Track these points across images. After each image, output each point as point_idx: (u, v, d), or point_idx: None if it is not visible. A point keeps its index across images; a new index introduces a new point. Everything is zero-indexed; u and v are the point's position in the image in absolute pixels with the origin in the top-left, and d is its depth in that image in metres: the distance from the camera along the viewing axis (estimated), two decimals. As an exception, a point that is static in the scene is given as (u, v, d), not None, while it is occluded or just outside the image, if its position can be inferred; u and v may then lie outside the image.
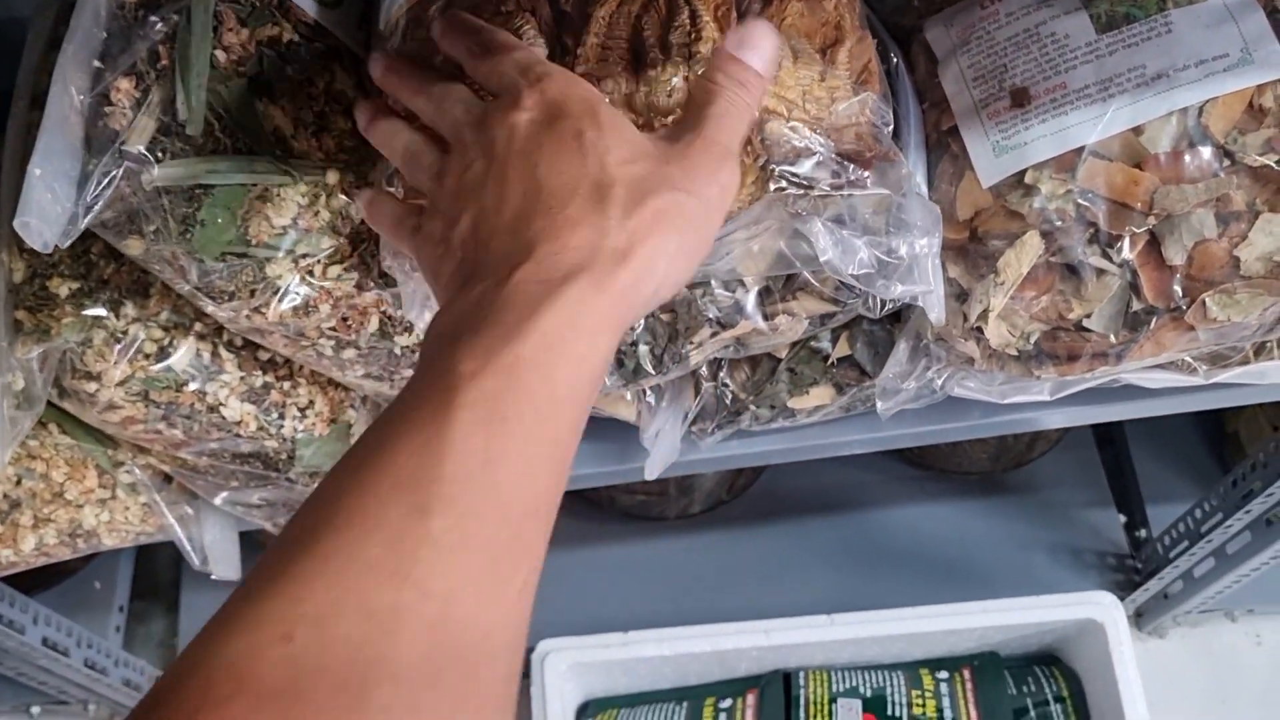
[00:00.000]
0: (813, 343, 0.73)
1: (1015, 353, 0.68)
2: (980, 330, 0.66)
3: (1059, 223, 0.64)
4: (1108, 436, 1.39)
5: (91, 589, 1.25)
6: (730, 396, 0.74)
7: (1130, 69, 0.64)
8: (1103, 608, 1.13)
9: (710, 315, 0.65)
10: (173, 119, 0.55)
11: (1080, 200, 0.64)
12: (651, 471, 0.73)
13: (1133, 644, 1.34)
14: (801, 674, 1.18)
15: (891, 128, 0.59)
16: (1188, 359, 0.73)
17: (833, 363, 0.73)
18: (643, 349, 0.66)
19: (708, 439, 0.75)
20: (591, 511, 1.32)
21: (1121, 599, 1.30)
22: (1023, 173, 0.65)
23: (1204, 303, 0.64)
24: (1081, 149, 0.64)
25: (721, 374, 0.74)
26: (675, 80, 0.52)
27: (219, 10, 0.56)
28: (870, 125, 0.56)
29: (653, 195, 0.42)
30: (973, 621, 1.14)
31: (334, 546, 0.34)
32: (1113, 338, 0.66)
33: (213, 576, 0.74)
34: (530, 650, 1.12)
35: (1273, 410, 1.21)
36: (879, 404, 0.70)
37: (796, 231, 0.57)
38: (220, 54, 0.56)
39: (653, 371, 0.66)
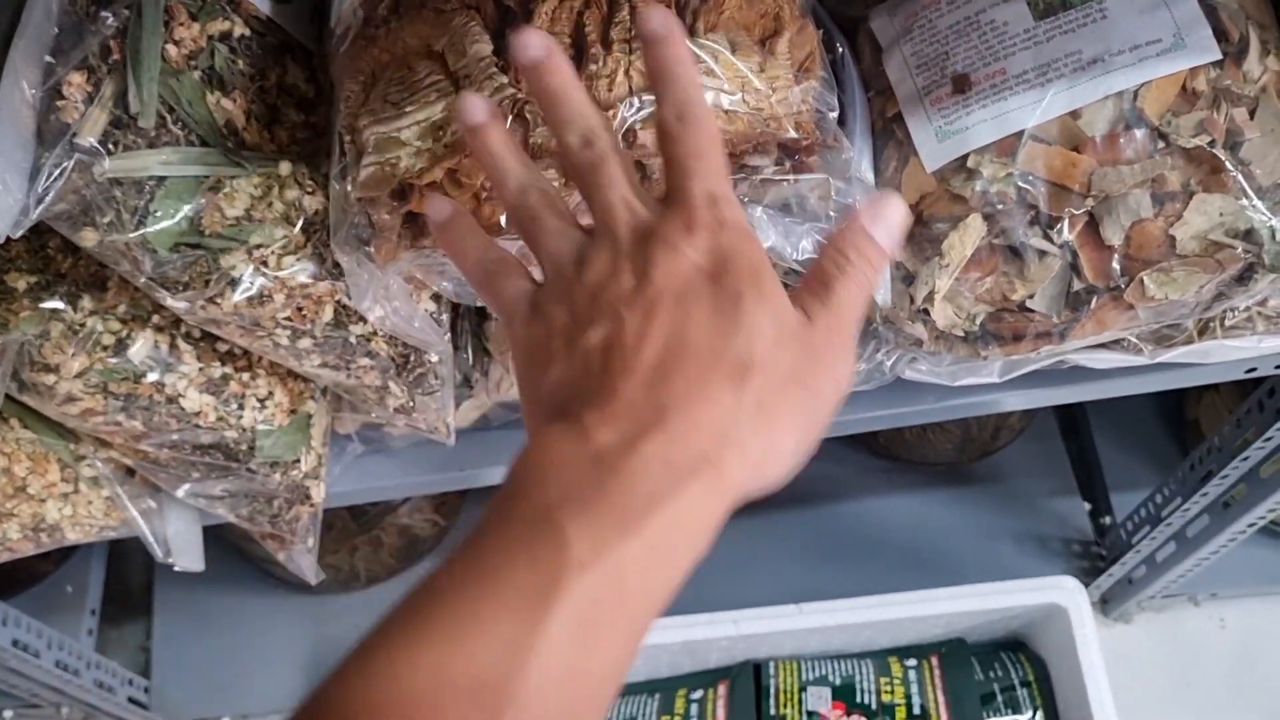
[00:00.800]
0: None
1: (962, 334, 0.69)
2: (927, 312, 0.68)
3: (1000, 205, 0.66)
4: (1072, 426, 1.40)
5: (62, 593, 1.25)
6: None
7: (1067, 54, 0.65)
8: (1066, 592, 1.14)
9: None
10: (124, 112, 0.56)
11: (1021, 183, 0.65)
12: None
13: (1099, 630, 1.37)
14: (771, 664, 1.19)
15: (836, 115, 0.60)
16: (1133, 339, 0.74)
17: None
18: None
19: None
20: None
21: (1087, 585, 1.32)
22: (965, 157, 0.66)
23: (1142, 281, 0.65)
24: (1021, 133, 0.65)
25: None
26: (618, 75, 0.53)
27: (170, 5, 0.57)
28: (813, 113, 0.58)
29: (785, 392, 0.40)
30: (938, 608, 1.15)
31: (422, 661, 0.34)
32: (1055, 317, 0.67)
33: (175, 568, 0.74)
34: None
35: (1230, 397, 1.23)
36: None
37: (743, 217, 0.58)
38: (171, 48, 0.57)
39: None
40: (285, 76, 0.62)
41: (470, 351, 0.72)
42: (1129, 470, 1.36)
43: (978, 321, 0.69)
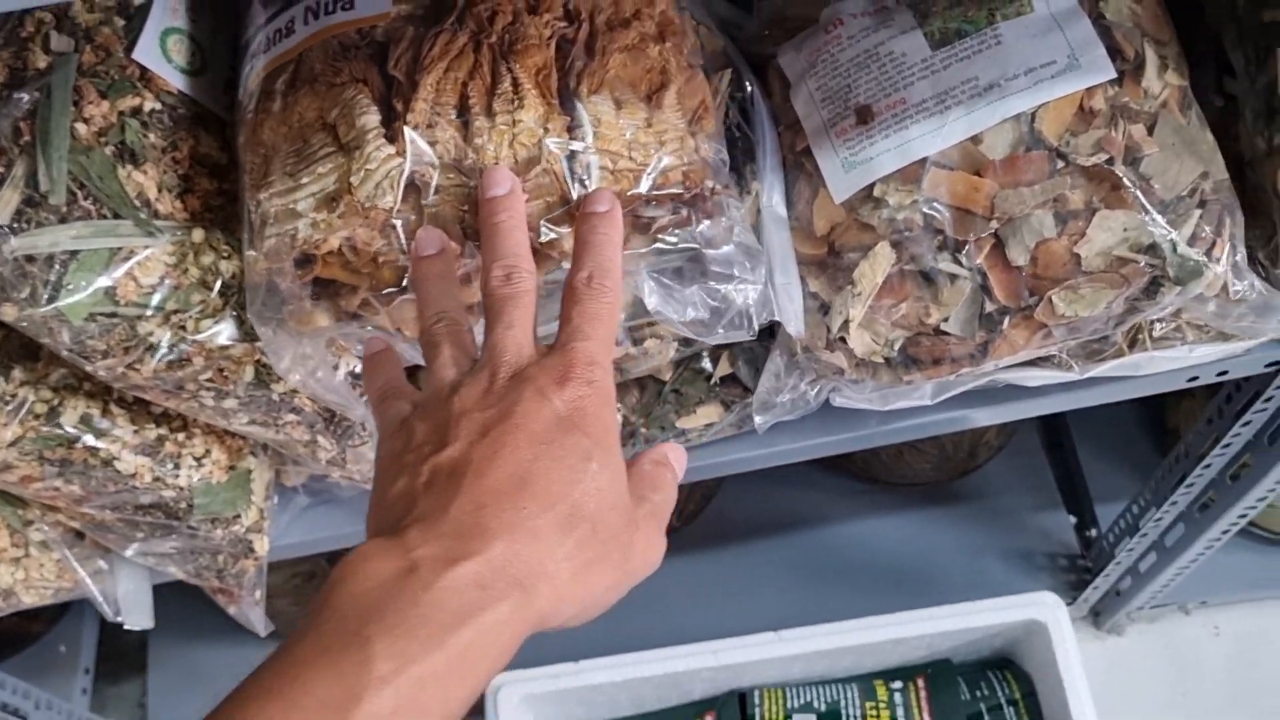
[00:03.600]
0: (695, 363, 0.76)
1: (883, 360, 0.70)
2: (844, 340, 0.69)
3: (908, 232, 0.67)
4: (1054, 439, 1.40)
5: (56, 653, 1.27)
6: (621, 420, 0.76)
7: (964, 81, 0.66)
8: (1045, 607, 1.14)
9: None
10: (35, 190, 0.58)
11: (926, 209, 0.66)
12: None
13: (1092, 643, 1.37)
14: (756, 693, 1.19)
15: (728, 162, 0.61)
16: (1063, 355, 0.75)
17: (716, 382, 0.75)
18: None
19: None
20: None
21: (1074, 599, 1.32)
22: (871, 186, 0.67)
23: (1051, 300, 0.66)
24: (924, 160, 0.66)
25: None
26: (502, 149, 0.55)
27: (79, 85, 0.60)
28: (705, 162, 0.59)
29: (606, 548, 0.44)
30: (917, 629, 1.15)
31: None
32: (971, 339, 0.68)
33: (125, 626, 0.76)
34: (484, 685, 1.13)
35: (1206, 403, 1.23)
36: (756, 418, 0.73)
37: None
38: (81, 126, 0.59)
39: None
40: (198, 146, 0.64)
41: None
42: (1112, 481, 1.35)
43: (896, 347, 0.69)
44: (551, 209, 0.55)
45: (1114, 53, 0.66)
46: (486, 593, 0.40)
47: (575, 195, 0.55)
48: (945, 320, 0.68)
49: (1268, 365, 0.85)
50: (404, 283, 0.57)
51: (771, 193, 0.69)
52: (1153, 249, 0.65)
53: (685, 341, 0.69)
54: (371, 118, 0.56)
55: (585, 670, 1.15)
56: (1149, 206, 0.65)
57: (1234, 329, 0.70)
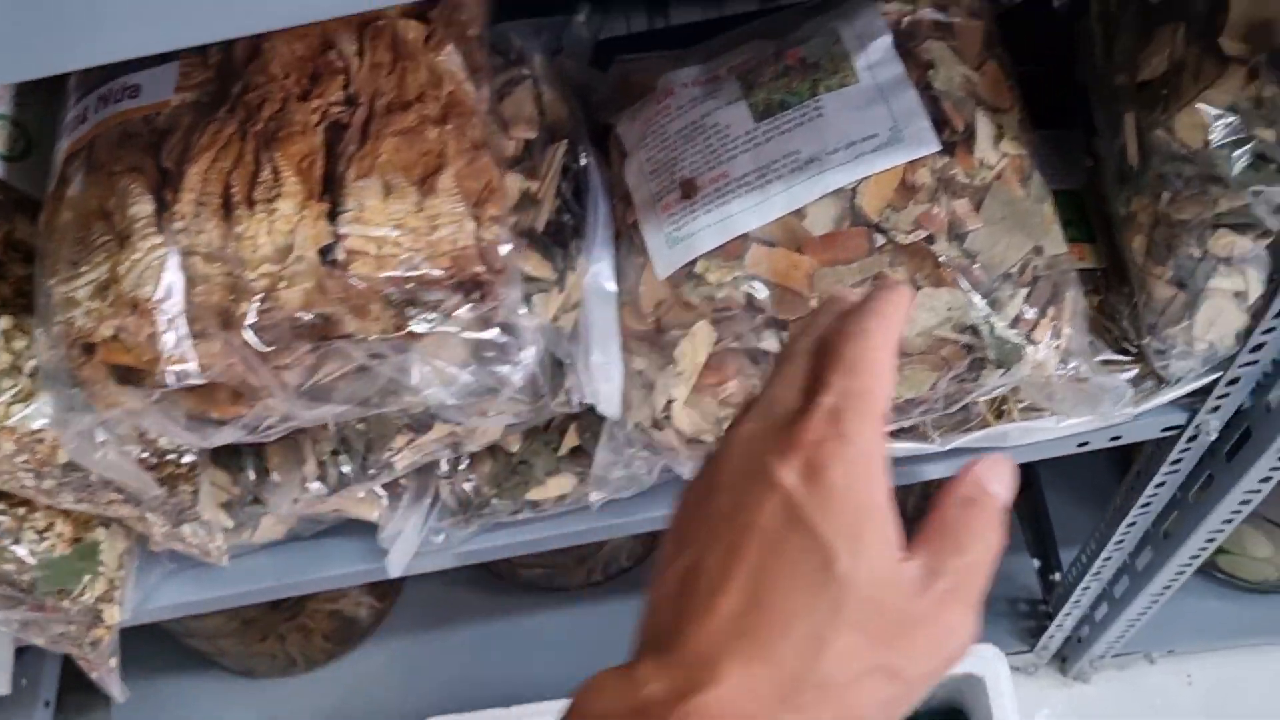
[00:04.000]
0: (545, 435, 0.75)
1: (713, 439, 0.68)
2: (669, 420, 0.67)
3: (728, 311, 0.65)
4: (1022, 480, 1.36)
5: (17, 686, 1.30)
6: (473, 491, 0.76)
7: (785, 155, 0.65)
8: (984, 660, 1.11)
9: (403, 422, 0.67)
10: None
11: (748, 287, 0.65)
12: (393, 570, 0.75)
13: (1060, 690, 1.33)
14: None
15: (509, 246, 0.60)
16: (924, 425, 0.73)
17: (563, 454, 0.74)
18: (343, 458, 0.69)
19: (458, 533, 0.77)
20: (495, 584, 1.34)
21: (1033, 645, 1.28)
22: (694, 262, 0.66)
23: (874, 380, 0.64)
24: (746, 236, 0.65)
25: (462, 469, 0.75)
26: (260, 236, 0.54)
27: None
28: (478, 248, 0.58)
29: (871, 678, 0.36)
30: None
31: None
32: (799, 418, 0.66)
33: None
34: (416, 729, 1.14)
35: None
36: (591, 494, 0.72)
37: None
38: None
39: (356, 481, 0.69)
40: (14, 232, 0.64)
41: (254, 471, 0.73)
42: (1078, 524, 1.30)
43: (725, 426, 0.68)
44: (310, 296, 0.55)
45: (942, 123, 0.64)
46: None
47: (332, 281, 0.54)
48: (773, 398, 0.66)
49: (1164, 430, 0.82)
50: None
51: (599, 267, 0.68)
52: (973, 330, 0.62)
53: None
54: (143, 207, 0.56)
55: (517, 716, 1.15)
56: (972, 285, 0.62)
57: (1065, 411, 0.67)
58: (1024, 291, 0.63)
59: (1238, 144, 0.60)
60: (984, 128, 0.65)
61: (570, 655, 1.32)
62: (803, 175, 0.64)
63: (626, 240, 0.69)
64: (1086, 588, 1.10)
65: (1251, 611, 1.27)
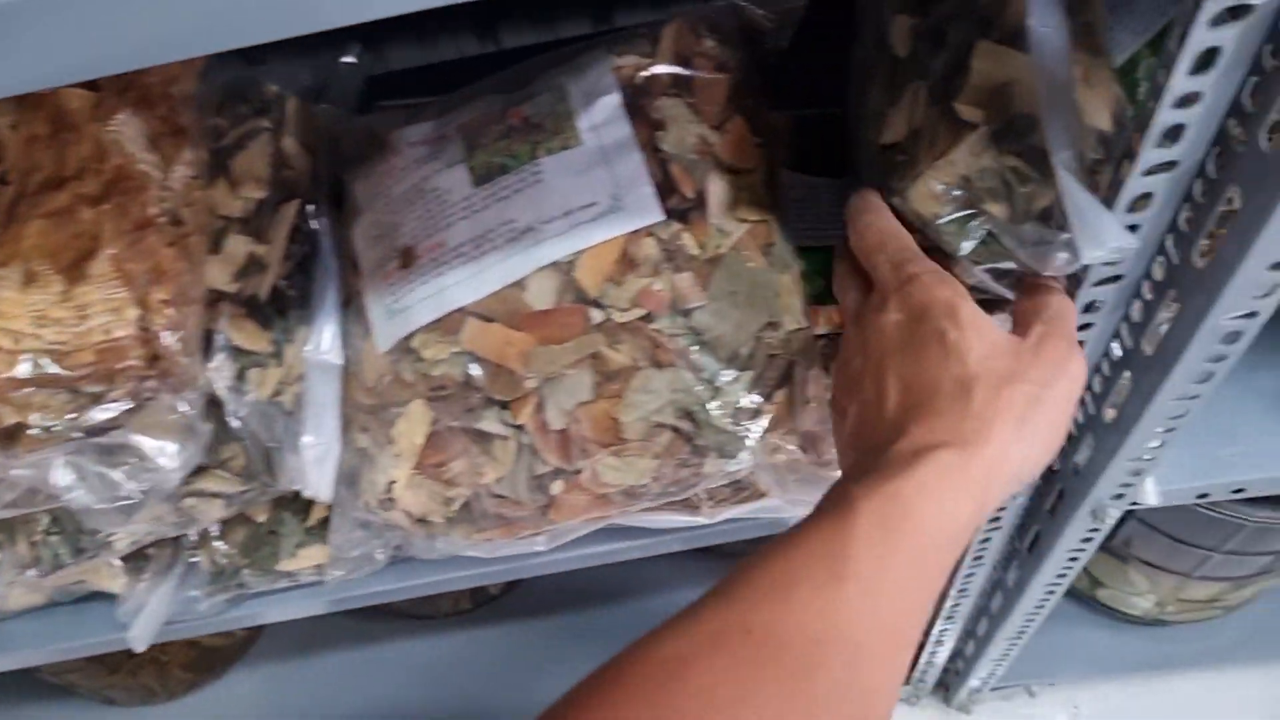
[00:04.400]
0: (294, 504, 0.71)
1: (443, 520, 0.64)
2: (393, 501, 0.63)
3: (445, 390, 0.61)
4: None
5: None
6: (225, 561, 0.72)
7: (502, 223, 0.60)
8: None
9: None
10: None
11: (464, 365, 0.60)
12: (136, 644, 0.72)
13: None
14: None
15: (179, 332, 0.56)
16: (700, 495, 0.68)
17: (311, 525, 0.71)
18: (54, 539, 0.65)
19: (208, 602, 0.73)
20: (365, 610, 1.31)
21: (910, 677, 1.25)
22: (412, 336, 0.61)
23: (595, 468, 0.60)
24: (463, 310, 0.60)
25: (214, 536, 0.72)
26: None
27: None
28: (139, 337, 0.54)
29: (1008, 387, 0.47)
30: None
31: (768, 596, 0.42)
32: (526, 502, 0.62)
33: None
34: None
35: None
36: (330, 572, 0.68)
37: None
38: None
39: (71, 560, 0.65)
40: None
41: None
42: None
43: (455, 506, 0.64)
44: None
45: (670, 189, 0.59)
46: (921, 450, 0.45)
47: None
48: (499, 481, 0.62)
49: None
50: None
51: (320, 339, 0.64)
52: (691, 416, 0.58)
53: (240, 494, 0.64)
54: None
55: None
56: (692, 367, 0.58)
57: (796, 497, 0.63)
58: (749, 375, 0.58)
59: (968, 219, 0.55)
60: (717, 193, 0.60)
61: (439, 682, 1.29)
62: (519, 246, 0.59)
63: (354, 309, 0.65)
64: (957, 604, 1.06)
65: (1136, 643, 1.24)
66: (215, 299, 0.62)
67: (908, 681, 1.24)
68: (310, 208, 0.66)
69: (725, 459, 0.58)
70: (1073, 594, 1.25)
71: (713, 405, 0.57)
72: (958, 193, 0.55)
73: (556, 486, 0.61)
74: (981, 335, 0.48)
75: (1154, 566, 1.10)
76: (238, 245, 0.64)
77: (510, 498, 0.62)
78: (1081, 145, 0.50)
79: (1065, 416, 0.49)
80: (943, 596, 1.05)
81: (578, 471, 0.60)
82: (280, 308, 0.64)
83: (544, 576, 1.28)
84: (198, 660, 1.25)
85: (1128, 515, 1.06)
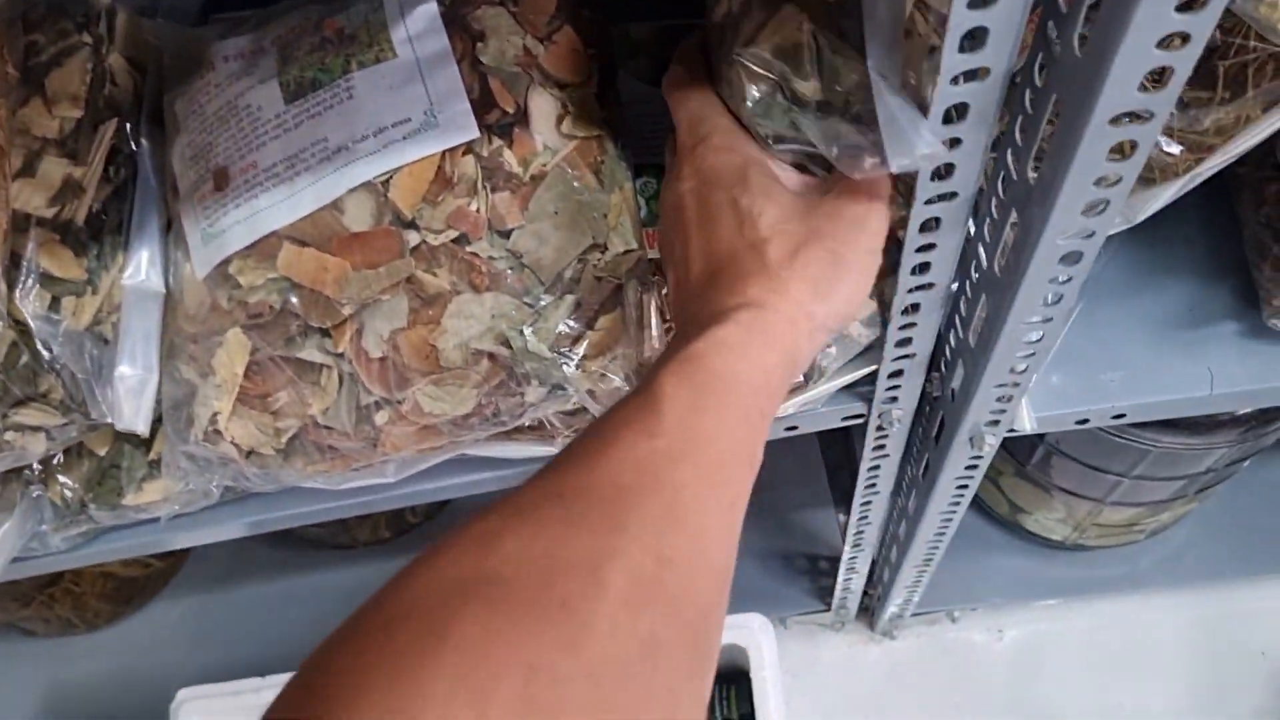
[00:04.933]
0: (137, 438, 0.69)
1: (273, 452, 0.62)
2: (219, 433, 0.61)
3: (263, 317, 0.58)
4: (833, 433, 1.30)
5: None
6: (71, 495, 0.70)
7: (314, 142, 0.57)
8: (748, 631, 1.06)
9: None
10: None
11: (283, 290, 0.58)
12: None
13: (870, 645, 1.29)
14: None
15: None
16: (549, 422, 0.66)
17: (154, 458, 0.68)
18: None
19: (58, 537, 0.71)
20: (280, 540, 1.29)
21: (828, 604, 1.24)
22: (229, 262, 0.59)
23: (415, 397, 0.58)
24: (277, 235, 0.58)
25: (57, 466, 0.69)
26: None
27: None
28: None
29: (805, 249, 0.48)
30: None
31: (581, 463, 0.41)
32: (352, 433, 0.60)
33: None
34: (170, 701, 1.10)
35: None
36: (160, 510, 0.66)
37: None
38: None
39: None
40: None
41: None
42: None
43: (285, 438, 0.61)
44: None
45: (490, 104, 0.56)
46: (724, 311, 0.47)
47: None
48: (325, 412, 0.60)
49: (845, 419, 0.76)
50: None
51: (138, 265, 0.61)
52: (508, 343, 0.55)
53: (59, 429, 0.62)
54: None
55: (269, 686, 1.11)
56: (510, 292, 0.55)
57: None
58: (570, 300, 0.56)
59: (776, 104, 0.52)
60: (541, 107, 0.57)
61: (312, 625, 1.28)
62: (331, 166, 0.56)
63: (175, 234, 0.62)
64: (860, 531, 1.05)
65: (1058, 568, 1.23)
66: (26, 224, 0.59)
67: (828, 607, 1.24)
68: (131, 128, 0.63)
69: (545, 387, 0.56)
70: (996, 520, 1.24)
71: (529, 330, 0.55)
72: (768, 74, 0.52)
73: (381, 417, 0.59)
74: (773, 199, 0.49)
75: (1070, 493, 1.08)
76: (53, 168, 0.61)
77: (338, 429, 0.60)
78: (899, 47, 0.46)
79: (868, 271, 0.50)
80: (847, 524, 1.03)
81: (400, 402, 0.58)
82: (97, 233, 0.61)
83: (467, 504, 1.27)
84: (116, 590, 1.24)
85: (1040, 441, 1.05)
